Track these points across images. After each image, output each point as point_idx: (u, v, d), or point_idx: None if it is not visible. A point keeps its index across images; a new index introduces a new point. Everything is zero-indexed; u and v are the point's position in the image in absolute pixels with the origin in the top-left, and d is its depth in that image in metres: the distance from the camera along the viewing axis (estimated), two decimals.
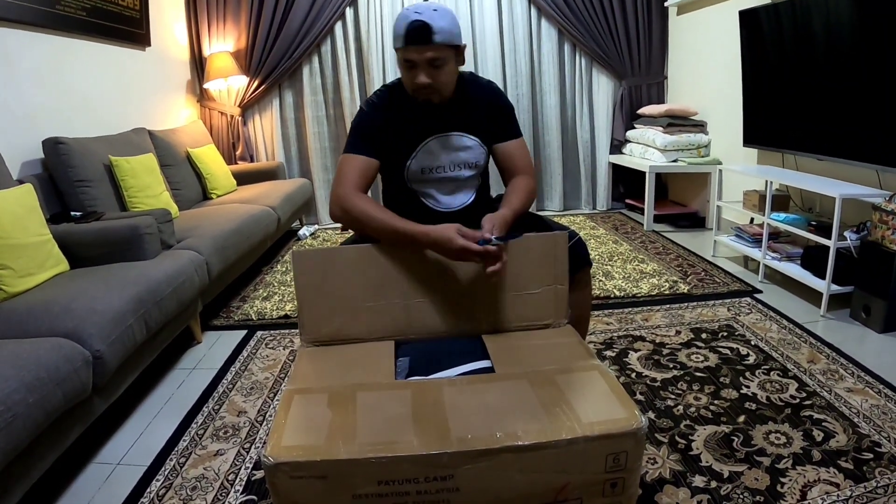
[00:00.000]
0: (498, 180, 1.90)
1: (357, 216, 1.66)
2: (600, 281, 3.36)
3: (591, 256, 1.87)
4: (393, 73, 4.98)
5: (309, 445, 1.16)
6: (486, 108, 1.83)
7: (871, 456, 1.75)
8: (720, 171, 3.89)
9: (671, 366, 2.38)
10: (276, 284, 3.60)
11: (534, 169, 1.87)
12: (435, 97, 1.72)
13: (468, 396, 1.35)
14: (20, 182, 2.55)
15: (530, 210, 2.00)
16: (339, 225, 5.18)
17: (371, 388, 1.39)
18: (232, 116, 4.98)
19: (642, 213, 4.75)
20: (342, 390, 1.38)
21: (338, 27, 4.91)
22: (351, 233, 1.95)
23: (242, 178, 4.59)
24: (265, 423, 2.13)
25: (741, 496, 1.61)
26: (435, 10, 1.63)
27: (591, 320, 2.77)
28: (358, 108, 1.90)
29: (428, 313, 1.68)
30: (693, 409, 2.05)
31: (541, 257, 1.69)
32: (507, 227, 1.64)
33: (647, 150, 4.77)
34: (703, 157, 4.57)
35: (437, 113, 1.78)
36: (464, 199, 1.90)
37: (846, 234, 2.78)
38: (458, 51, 1.71)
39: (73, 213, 2.78)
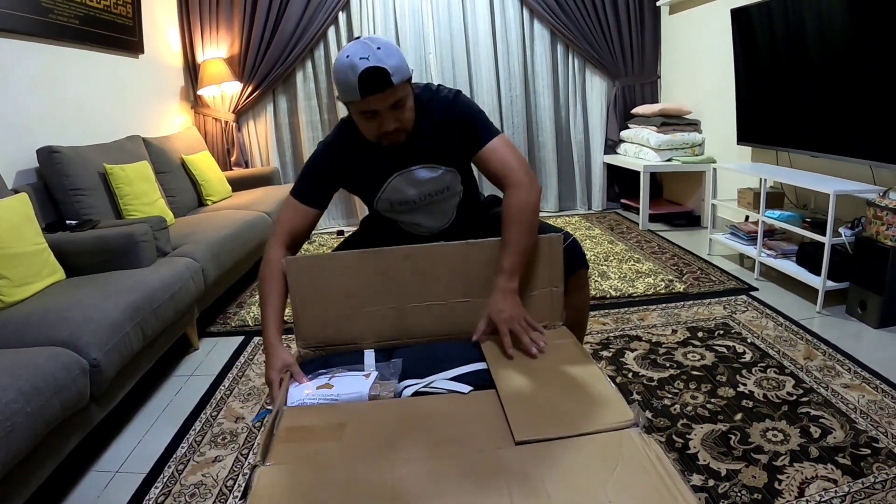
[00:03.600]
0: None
1: (260, 276, 1.69)
2: (596, 281, 3.36)
3: (587, 257, 1.82)
4: None
5: None
6: (444, 129, 1.68)
7: (868, 452, 1.76)
8: (714, 169, 3.90)
9: (668, 365, 2.38)
10: None
11: (522, 163, 1.67)
12: (402, 137, 1.60)
13: (461, 405, 1.35)
14: (15, 191, 2.55)
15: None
16: (335, 229, 5.19)
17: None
18: (226, 122, 4.98)
19: (637, 213, 4.75)
20: None
21: (331, 32, 4.92)
22: (346, 236, 1.95)
23: (237, 184, 4.58)
24: (263, 428, 2.13)
25: (739, 494, 1.62)
26: (378, 48, 1.47)
27: (589, 320, 2.78)
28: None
29: (423, 317, 1.69)
30: (690, 408, 2.06)
31: (535, 259, 1.69)
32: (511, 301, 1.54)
33: (642, 150, 4.78)
34: (697, 155, 4.58)
35: (395, 148, 1.65)
36: (444, 220, 1.85)
37: (841, 230, 2.78)
38: (409, 81, 1.57)
39: (68, 221, 2.78)
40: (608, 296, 3.16)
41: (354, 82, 1.45)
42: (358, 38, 1.52)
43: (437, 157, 1.72)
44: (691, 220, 4.71)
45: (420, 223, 1.84)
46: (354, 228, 1.96)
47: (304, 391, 1.43)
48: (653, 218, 4.73)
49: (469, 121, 1.68)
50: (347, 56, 1.46)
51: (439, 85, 1.74)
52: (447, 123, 1.67)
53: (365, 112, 1.53)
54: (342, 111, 4.99)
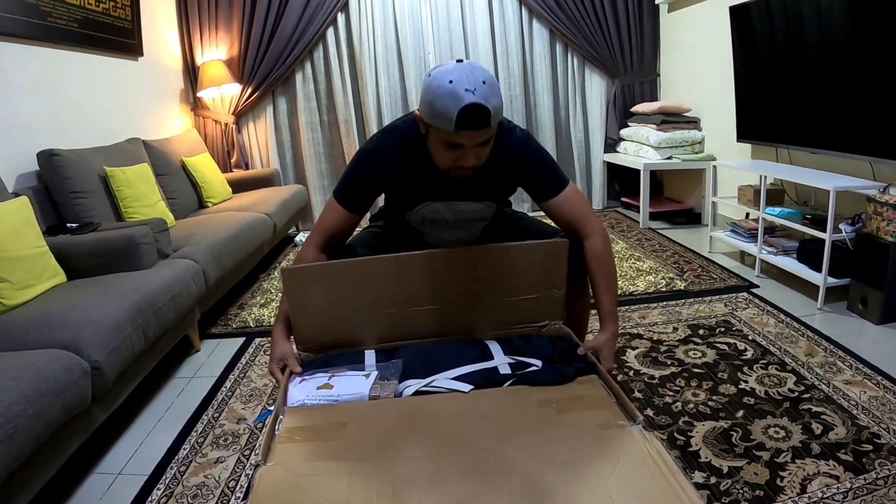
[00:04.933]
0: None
1: (286, 275, 1.64)
2: None
3: None
4: (385, 79, 5.00)
5: None
6: (507, 172, 1.69)
7: (870, 448, 1.76)
8: (714, 166, 3.90)
9: (669, 363, 2.38)
10: (273, 291, 3.60)
11: (592, 211, 1.75)
12: (471, 172, 1.56)
13: (461, 404, 1.36)
14: (16, 195, 2.55)
15: (528, 214, 2.03)
16: None
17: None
18: (226, 124, 4.99)
19: (638, 211, 4.75)
20: None
21: (329, 33, 4.92)
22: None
23: (238, 186, 4.59)
24: (264, 428, 2.13)
25: (741, 491, 1.62)
26: (484, 82, 1.39)
27: (590, 318, 2.78)
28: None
29: (423, 320, 1.69)
30: (691, 406, 2.05)
31: (540, 264, 1.70)
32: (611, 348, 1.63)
33: (642, 148, 4.78)
34: (697, 153, 4.58)
35: (449, 182, 1.63)
36: (469, 239, 1.85)
37: (841, 226, 2.78)
38: None
39: (69, 224, 2.78)
40: None
41: (453, 114, 1.37)
42: (460, 61, 1.44)
43: (484, 195, 1.75)
44: (692, 218, 4.71)
45: (446, 239, 1.85)
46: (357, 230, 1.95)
47: (305, 392, 1.43)
48: (653, 216, 4.73)
49: (544, 168, 1.71)
50: (451, 81, 1.38)
51: (509, 122, 1.71)
52: (519, 166, 1.68)
53: (449, 143, 1.47)
54: (342, 112, 5.00)
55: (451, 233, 1.84)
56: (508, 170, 1.68)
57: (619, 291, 3.16)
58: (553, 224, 1.82)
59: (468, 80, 1.37)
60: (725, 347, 2.48)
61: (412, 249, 1.72)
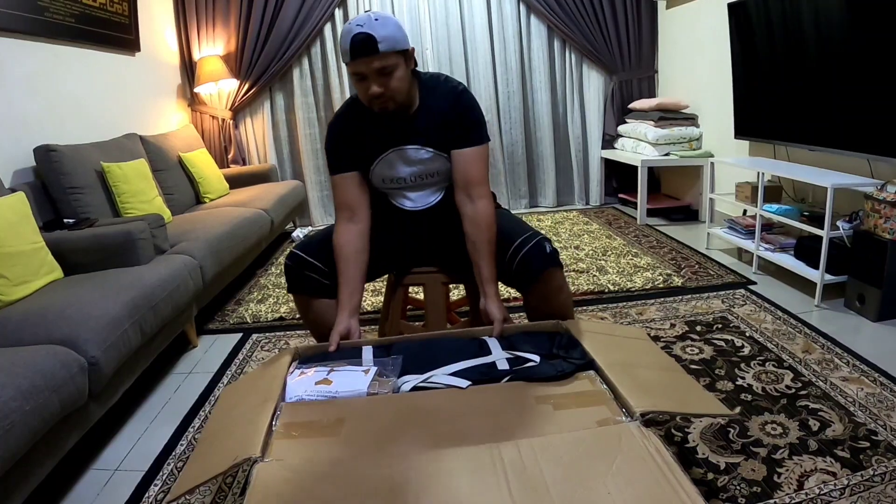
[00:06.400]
0: None
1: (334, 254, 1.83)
2: (594, 276, 3.37)
3: (572, 255, 1.90)
4: None
5: None
6: (443, 116, 1.82)
7: (867, 444, 1.76)
8: (712, 163, 3.90)
9: None
10: (270, 287, 3.60)
11: (486, 181, 1.86)
12: (390, 104, 1.72)
13: (459, 399, 1.36)
14: (12, 190, 2.54)
15: (509, 211, 2.06)
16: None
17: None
18: (223, 120, 4.98)
19: (635, 208, 4.75)
20: None
21: (327, 29, 4.91)
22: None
23: (235, 182, 4.58)
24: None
25: (738, 487, 1.62)
26: (376, 19, 1.63)
27: (586, 314, 2.79)
28: None
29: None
30: None
31: None
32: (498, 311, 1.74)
33: (639, 145, 4.78)
34: (694, 150, 4.58)
35: (395, 124, 1.81)
36: (431, 198, 1.96)
37: (839, 223, 2.79)
38: (406, 55, 1.71)
39: (65, 220, 2.78)
40: (606, 290, 3.16)
41: (347, 45, 1.63)
42: (368, 11, 1.67)
43: (431, 139, 1.84)
44: (689, 215, 4.71)
45: (408, 197, 1.95)
46: None
47: (303, 387, 1.43)
48: (651, 212, 4.73)
49: (472, 117, 1.84)
50: (350, 23, 1.65)
51: (448, 76, 1.88)
52: (450, 113, 1.81)
53: (355, 74, 1.69)
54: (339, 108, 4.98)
55: (414, 192, 1.94)
56: (444, 112, 1.81)
57: (617, 287, 3.17)
58: (521, 222, 1.93)
59: (362, 18, 1.64)
60: (722, 344, 2.48)
61: (396, 236, 1.96)
